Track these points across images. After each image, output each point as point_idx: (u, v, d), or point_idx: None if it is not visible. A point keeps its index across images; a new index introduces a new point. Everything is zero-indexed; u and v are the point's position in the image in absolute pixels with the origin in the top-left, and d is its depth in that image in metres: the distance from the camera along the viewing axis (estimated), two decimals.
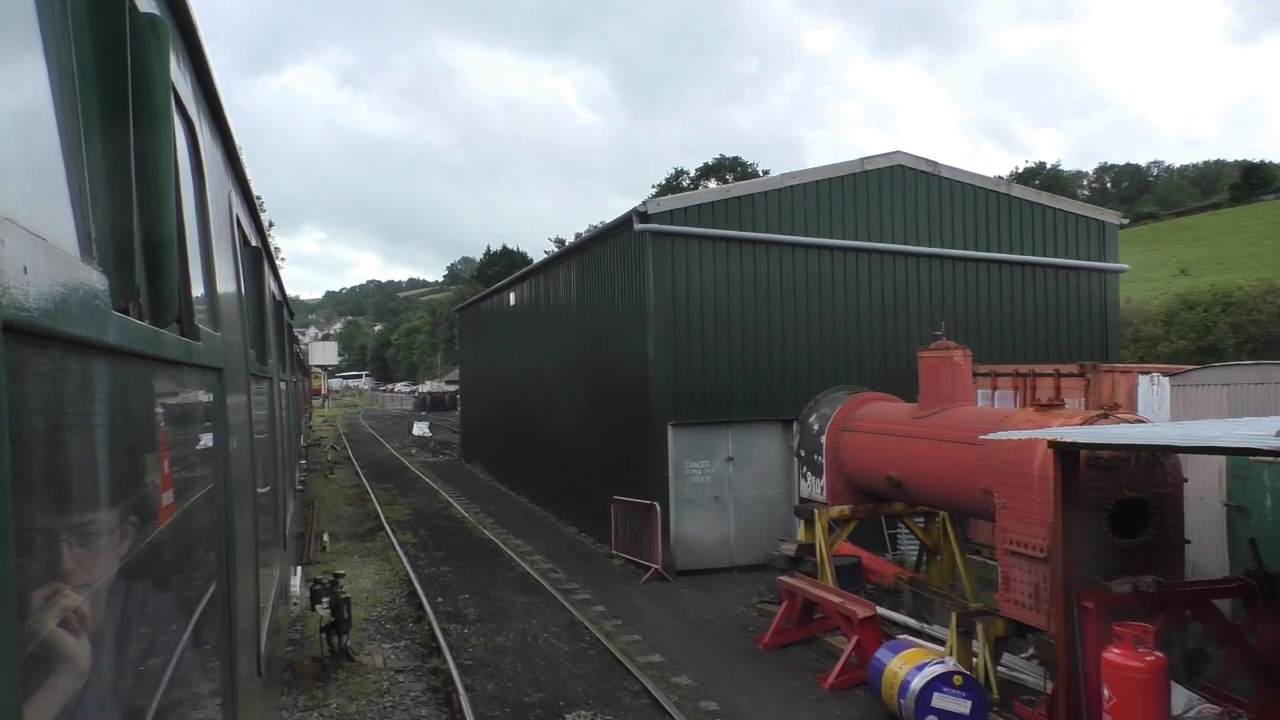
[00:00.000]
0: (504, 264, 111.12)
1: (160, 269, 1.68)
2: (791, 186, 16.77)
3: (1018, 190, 19.18)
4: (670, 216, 15.85)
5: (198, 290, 2.29)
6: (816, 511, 12.45)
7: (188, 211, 2.19)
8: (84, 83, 1.28)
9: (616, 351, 17.56)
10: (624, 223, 16.44)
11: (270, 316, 5.87)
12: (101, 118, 1.36)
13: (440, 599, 14.01)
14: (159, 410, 1.89)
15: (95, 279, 1.24)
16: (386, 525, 20.41)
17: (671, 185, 77.89)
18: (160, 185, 1.68)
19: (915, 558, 13.93)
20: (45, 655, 1.10)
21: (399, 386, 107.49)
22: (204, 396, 2.41)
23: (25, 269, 0.95)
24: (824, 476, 12.73)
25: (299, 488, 12.96)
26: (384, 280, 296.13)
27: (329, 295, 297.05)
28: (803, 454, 13.31)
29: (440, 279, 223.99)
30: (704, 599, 14.06)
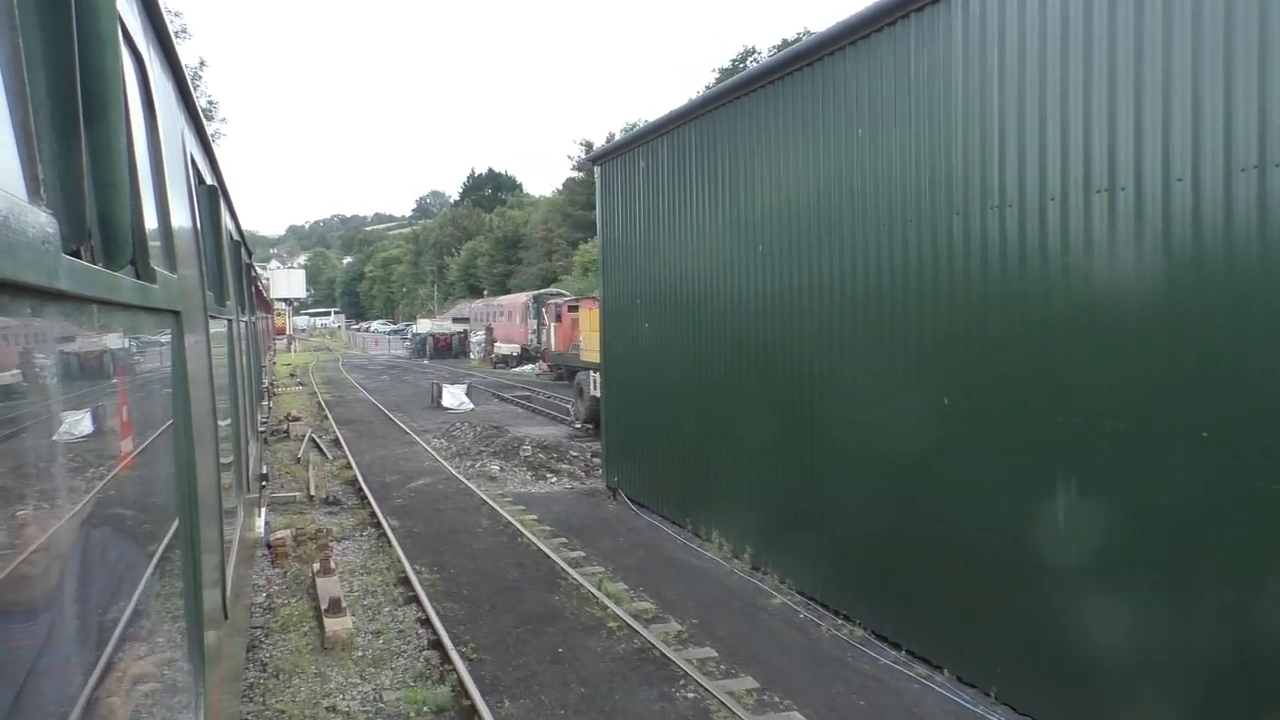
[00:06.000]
0: (492, 187, 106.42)
1: (112, 210, 1.62)
2: None
3: None
4: None
5: (152, 231, 2.22)
6: None
7: (140, 149, 2.11)
8: (25, 16, 1.22)
9: None
10: None
11: (228, 256, 5.73)
12: (45, 52, 1.29)
13: None
14: (115, 356, 1.85)
15: (44, 221, 1.20)
16: None
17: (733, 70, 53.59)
18: (110, 122, 1.61)
19: None
20: (10, 596, 1.09)
21: (376, 325, 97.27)
22: (162, 340, 2.36)
23: None
24: None
25: (260, 429, 12.85)
26: (348, 215, 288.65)
27: (291, 230, 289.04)
28: None
29: (408, 214, 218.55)
30: None
